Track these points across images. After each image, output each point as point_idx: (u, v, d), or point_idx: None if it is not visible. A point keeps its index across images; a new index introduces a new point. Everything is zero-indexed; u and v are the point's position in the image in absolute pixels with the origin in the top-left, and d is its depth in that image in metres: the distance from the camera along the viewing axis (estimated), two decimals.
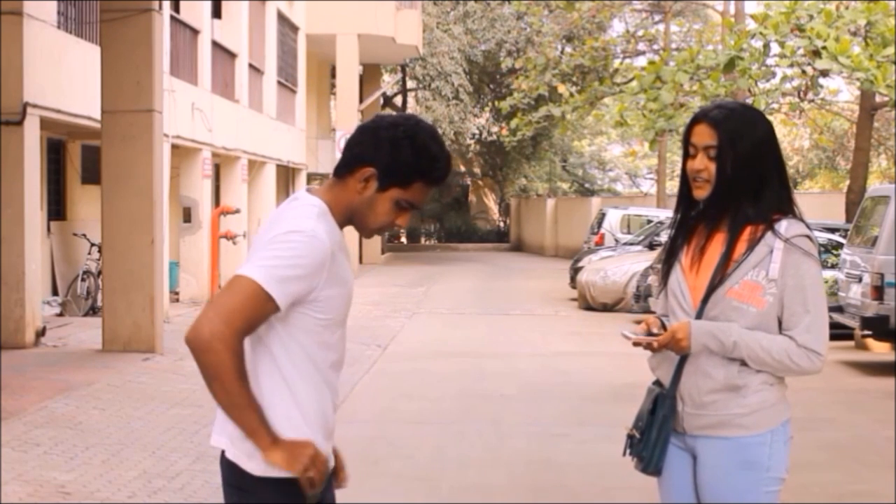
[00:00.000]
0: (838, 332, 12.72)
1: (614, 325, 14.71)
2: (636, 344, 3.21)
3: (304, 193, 2.81)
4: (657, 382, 3.31)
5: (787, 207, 3.21)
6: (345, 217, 2.80)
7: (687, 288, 3.24)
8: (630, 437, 3.31)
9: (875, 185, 18.11)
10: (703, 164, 3.19)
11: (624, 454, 3.34)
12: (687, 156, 3.25)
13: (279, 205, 2.88)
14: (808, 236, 3.16)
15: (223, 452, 2.77)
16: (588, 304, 18.75)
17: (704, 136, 3.19)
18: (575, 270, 20.57)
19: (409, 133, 2.73)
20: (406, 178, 2.74)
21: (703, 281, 3.20)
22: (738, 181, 3.16)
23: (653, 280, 15.97)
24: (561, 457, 7.71)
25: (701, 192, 3.22)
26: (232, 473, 2.74)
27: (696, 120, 3.23)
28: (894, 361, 12.08)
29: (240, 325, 2.60)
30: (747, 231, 3.18)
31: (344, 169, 2.79)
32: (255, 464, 2.68)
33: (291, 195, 2.86)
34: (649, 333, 3.23)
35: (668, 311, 3.31)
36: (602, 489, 6.77)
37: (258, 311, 2.62)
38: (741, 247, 3.17)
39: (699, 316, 3.18)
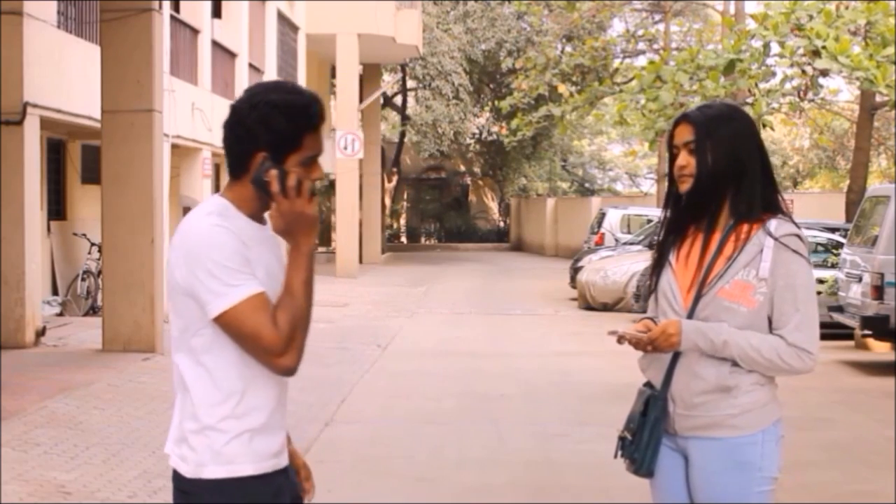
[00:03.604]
0: (838, 332, 12.78)
1: (614, 325, 14.65)
2: (621, 340, 3.21)
3: (209, 197, 2.83)
4: (648, 384, 3.31)
5: (774, 206, 3.22)
6: (258, 207, 2.77)
7: (677, 288, 3.25)
8: (622, 438, 3.30)
9: (875, 185, 18.10)
10: (686, 160, 3.23)
11: (616, 456, 3.33)
12: (672, 158, 3.29)
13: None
14: (797, 235, 3.17)
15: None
16: (588, 304, 18.76)
17: (684, 133, 3.24)
18: (575, 270, 20.58)
19: (268, 103, 2.68)
20: (294, 141, 2.70)
21: (694, 281, 3.21)
22: (718, 173, 3.19)
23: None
24: (561, 457, 7.71)
25: (685, 187, 3.25)
26: (175, 477, 2.80)
27: (676, 122, 3.30)
28: (894, 361, 12.09)
29: (269, 327, 2.62)
30: (737, 230, 3.19)
31: (239, 169, 2.76)
32: (187, 466, 2.73)
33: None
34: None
35: (658, 312, 3.31)
36: (602, 489, 6.77)
37: (263, 309, 2.63)
38: (731, 246, 3.18)
39: (690, 316, 3.18)
